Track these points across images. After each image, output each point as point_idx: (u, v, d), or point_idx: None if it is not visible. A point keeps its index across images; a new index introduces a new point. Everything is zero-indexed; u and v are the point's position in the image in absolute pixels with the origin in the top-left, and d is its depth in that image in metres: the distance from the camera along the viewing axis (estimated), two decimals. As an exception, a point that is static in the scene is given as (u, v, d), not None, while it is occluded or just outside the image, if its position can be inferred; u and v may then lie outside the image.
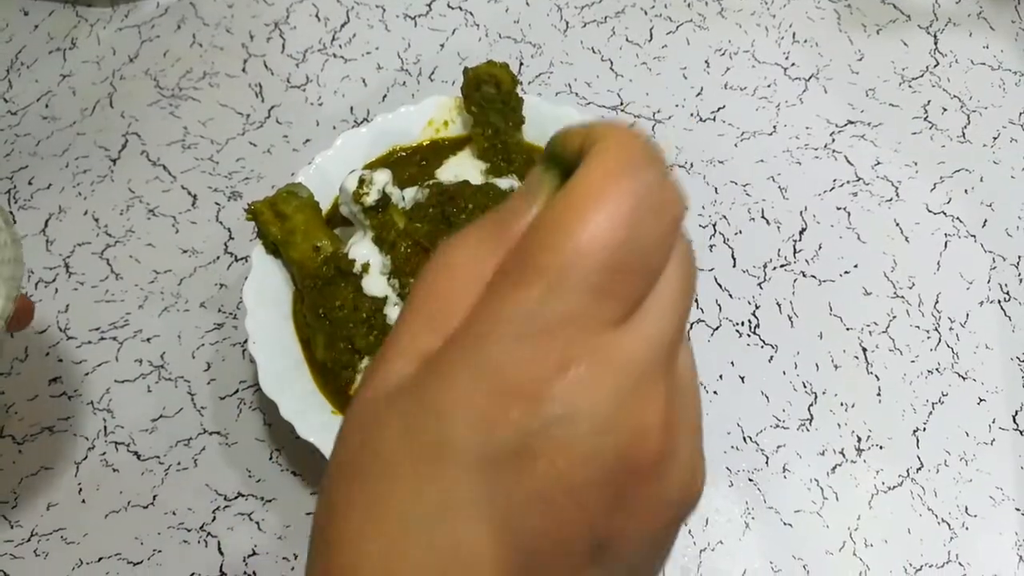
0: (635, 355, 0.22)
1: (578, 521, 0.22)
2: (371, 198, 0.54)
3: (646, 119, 0.70)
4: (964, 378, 0.59)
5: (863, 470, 0.56)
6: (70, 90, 0.73)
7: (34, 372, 0.61)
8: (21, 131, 0.71)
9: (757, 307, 0.62)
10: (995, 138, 0.69)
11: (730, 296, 0.62)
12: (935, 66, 0.73)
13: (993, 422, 0.57)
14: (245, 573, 0.54)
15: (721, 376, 0.59)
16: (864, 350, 0.60)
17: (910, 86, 0.72)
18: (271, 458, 0.57)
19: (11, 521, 0.55)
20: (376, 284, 0.54)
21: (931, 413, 0.58)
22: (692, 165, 0.68)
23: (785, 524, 0.54)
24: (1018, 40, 0.74)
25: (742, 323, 0.61)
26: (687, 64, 0.73)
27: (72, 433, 0.58)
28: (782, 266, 0.63)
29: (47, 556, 0.54)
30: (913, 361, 0.60)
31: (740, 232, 0.65)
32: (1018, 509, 0.55)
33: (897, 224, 0.65)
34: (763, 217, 0.65)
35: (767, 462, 0.56)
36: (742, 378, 0.59)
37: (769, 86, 0.72)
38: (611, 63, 0.73)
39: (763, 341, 0.60)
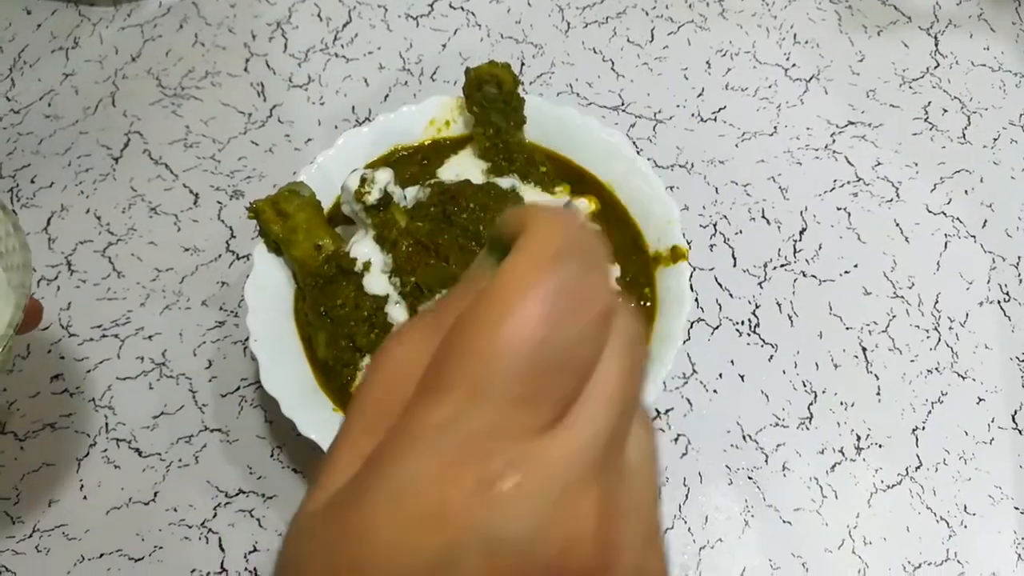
0: (562, 461, 0.21)
1: None
2: (373, 197, 0.54)
3: (647, 119, 0.70)
4: (963, 378, 0.59)
5: (862, 469, 0.56)
6: (72, 89, 0.74)
7: (36, 369, 0.61)
8: (24, 130, 0.71)
9: (757, 306, 0.62)
10: (995, 139, 0.69)
11: (730, 295, 0.62)
12: (936, 67, 0.73)
13: (992, 421, 0.58)
14: (246, 569, 0.54)
15: (721, 375, 0.59)
16: (864, 349, 0.60)
17: (911, 87, 0.72)
18: (272, 455, 0.57)
19: (13, 517, 0.56)
20: (377, 283, 0.54)
21: (930, 412, 0.58)
22: (693, 165, 0.68)
23: (784, 522, 0.54)
24: (1018, 42, 0.74)
25: (742, 322, 0.61)
26: (688, 65, 0.73)
27: (74, 430, 0.59)
28: (782, 266, 0.63)
29: (49, 552, 0.55)
30: (913, 361, 0.60)
31: (740, 232, 0.65)
32: (1017, 508, 0.55)
33: (897, 224, 0.65)
34: (763, 217, 0.65)
35: (767, 460, 0.56)
36: (742, 377, 0.59)
37: (770, 87, 0.72)
38: (612, 63, 0.73)
39: (763, 340, 0.61)
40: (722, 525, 0.55)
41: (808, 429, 0.57)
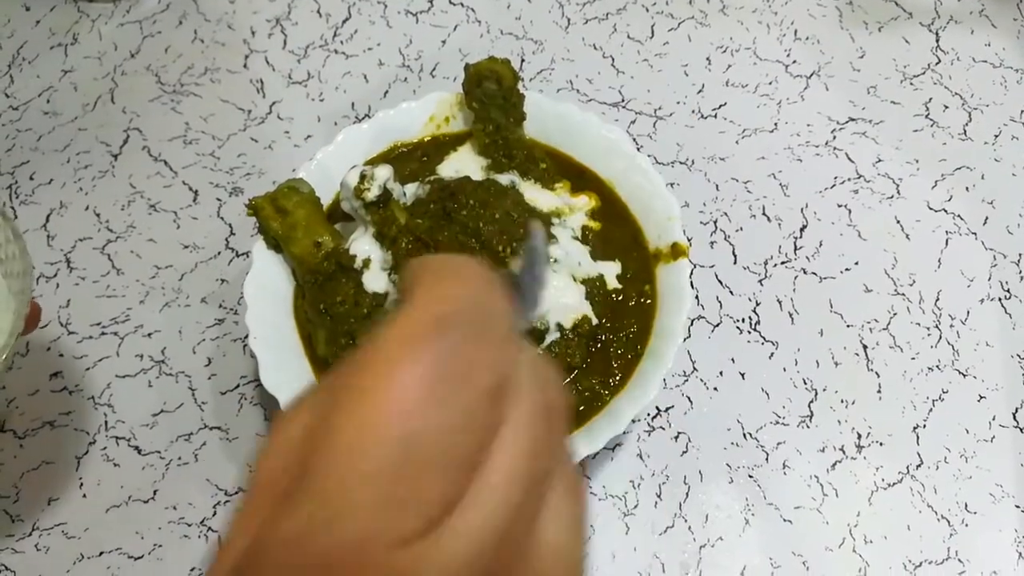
0: (437, 570, 0.18)
1: None
2: (372, 194, 0.54)
3: (647, 116, 0.70)
4: (964, 375, 0.59)
5: (863, 467, 0.56)
6: (71, 85, 0.73)
7: (35, 367, 0.61)
8: (22, 126, 0.71)
9: (758, 304, 0.62)
10: (996, 136, 0.69)
11: (731, 293, 0.62)
12: (936, 63, 0.73)
13: (993, 419, 0.58)
14: (246, 568, 0.54)
15: (721, 373, 0.59)
16: (864, 347, 0.60)
17: (911, 83, 0.72)
18: (272, 453, 0.57)
19: (12, 516, 0.56)
20: (377, 280, 0.54)
21: (931, 410, 0.58)
22: (693, 162, 0.68)
23: (785, 520, 0.54)
24: (1020, 38, 0.74)
25: (743, 320, 0.61)
26: (688, 61, 0.73)
27: (73, 428, 0.58)
28: (783, 263, 0.63)
29: (48, 551, 0.55)
30: (913, 358, 0.60)
31: (741, 229, 0.65)
32: (1018, 506, 0.55)
33: (898, 221, 0.65)
34: (764, 214, 0.65)
35: (767, 458, 0.56)
36: (742, 375, 0.59)
37: (770, 83, 0.72)
38: (612, 60, 0.73)
39: (763, 338, 0.60)
40: (722, 523, 0.54)
41: (809, 427, 0.57)
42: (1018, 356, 0.60)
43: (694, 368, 0.59)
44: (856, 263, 0.63)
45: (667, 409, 0.58)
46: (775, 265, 0.63)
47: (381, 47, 0.75)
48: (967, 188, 0.66)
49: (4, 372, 0.45)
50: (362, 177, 0.54)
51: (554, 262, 0.54)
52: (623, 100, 0.71)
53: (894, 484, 0.55)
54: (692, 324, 0.61)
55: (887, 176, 0.67)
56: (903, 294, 0.62)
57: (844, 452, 0.56)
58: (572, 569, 0.21)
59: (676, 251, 0.56)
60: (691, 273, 0.55)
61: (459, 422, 0.19)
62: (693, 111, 0.70)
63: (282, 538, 0.18)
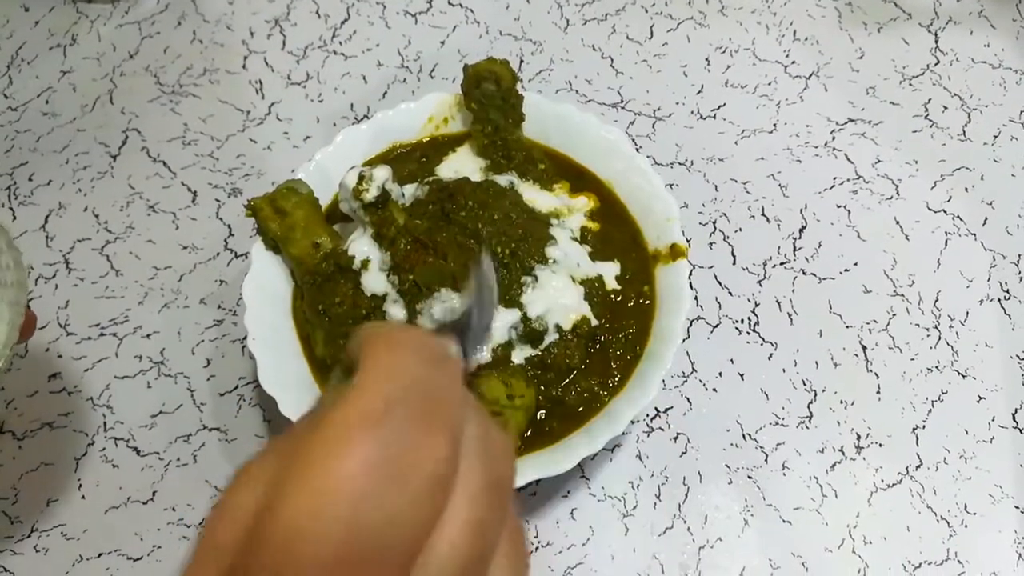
0: None
1: None
2: (371, 194, 0.53)
3: (646, 116, 0.70)
4: (964, 376, 0.59)
5: (862, 468, 0.56)
6: (70, 86, 0.73)
7: (34, 368, 0.61)
8: (21, 127, 0.71)
9: (757, 305, 0.62)
10: (996, 136, 0.69)
11: (730, 294, 0.62)
12: (936, 64, 0.73)
13: (993, 420, 0.57)
14: (244, 569, 0.54)
15: (720, 374, 0.59)
16: (864, 348, 0.60)
17: (911, 84, 0.72)
18: (271, 454, 0.57)
19: (11, 517, 0.55)
20: (376, 281, 0.54)
21: (931, 411, 0.58)
22: (692, 163, 0.68)
23: (784, 521, 0.54)
24: (1019, 39, 0.74)
25: (742, 321, 0.61)
26: (687, 62, 0.73)
27: (72, 429, 0.58)
28: (782, 264, 0.63)
29: (47, 552, 0.54)
30: (913, 359, 0.60)
31: (740, 230, 0.65)
32: (1017, 507, 0.55)
33: (897, 222, 0.65)
34: (763, 215, 0.65)
35: (766, 459, 0.56)
36: (741, 376, 0.59)
37: (770, 84, 0.72)
38: (611, 60, 0.73)
39: (763, 339, 0.60)
40: (722, 524, 0.54)
41: (808, 428, 0.57)
42: (1017, 357, 0.60)
43: (693, 369, 0.59)
44: (855, 264, 0.63)
45: (666, 410, 0.58)
46: (774, 266, 0.63)
47: (380, 48, 0.75)
48: (966, 189, 0.66)
49: (1, 377, 0.45)
50: (361, 178, 0.54)
51: (553, 263, 0.54)
52: (622, 101, 0.71)
53: (893, 485, 0.55)
54: (691, 325, 0.61)
55: (886, 177, 0.67)
56: (902, 295, 0.62)
57: (843, 453, 0.56)
58: None
59: (675, 252, 0.56)
60: (690, 274, 0.55)
61: (405, 510, 0.19)
62: (692, 112, 0.70)
63: None
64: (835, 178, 0.67)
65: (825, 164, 0.68)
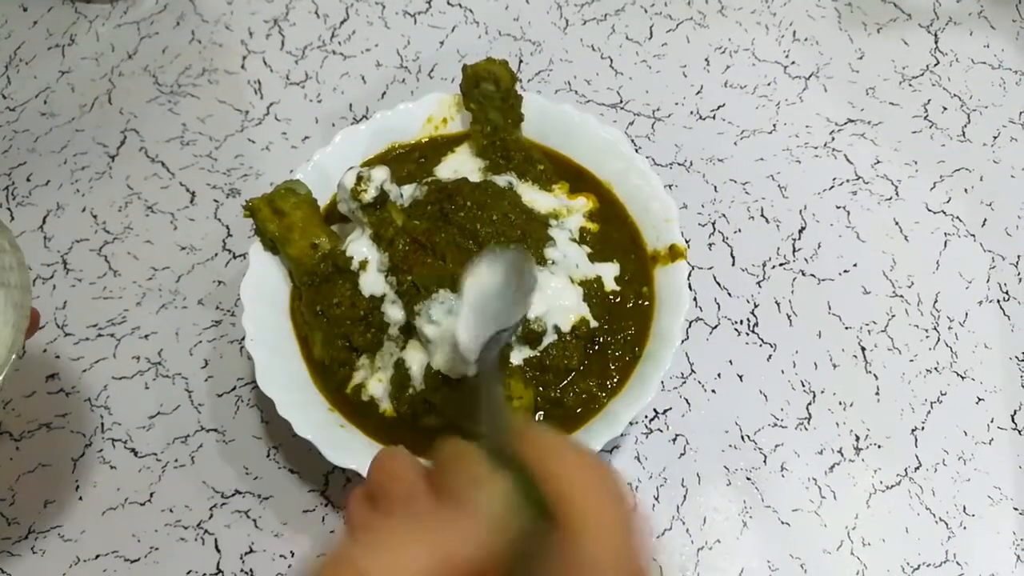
0: None
1: None
2: (369, 195, 0.53)
3: (646, 117, 0.70)
4: (963, 377, 0.59)
5: (861, 469, 0.56)
6: (69, 86, 0.73)
7: (31, 369, 0.60)
8: (19, 127, 0.71)
9: (756, 306, 0.62)
10: (995, 137, 0.69)
11: (729, 295, 0.62)
12: (935, 65, 0.72)
13: (992, 421, 0.57)
14: (242, 571, 0.53)
15: (719, 375, 0.59)
16: (863, 349, 0.60)
17: (910, 85, 0.71)
18: (268, 455, 0.57)
19: (8, 518, 0.55)
20: (374, 281, 0.54)
21: (930, 412, 0.58)
22: (691, 163, 0.67)
23: (783, 523, 0.54)
24: (1019, 39, 0.74)
25: (741, 322, 0.61)
26: (687, 62, 0.73)
27: (70, 430, 0.58)
28: (781, 265, 0.63)
29: (44, 554, 0.54)
30: (912, 360, 0.59)
31: (739, 230, 0.65)
32: (1016, 508, 0.55)
33: (896, 223, 0.65)
34: (762, 216, 0.65)
35: (765, 461, 0.56)
36: (740, 377, 0.59)
37: (769, 84, 0.72)
38: (611, 61, 0.73)
39: (762, 340, 0.60)
40: (720, 526, 0.54)
41: (807, 429, 0.57)
42: (1016, 358, 0.60)
43: (692, 370, 0.59)
44: (855, 265, 0.63)
45: (665, 411, 0.58)
46: (773, 267, 0.63)
47: (379, 48, 0.75)
48: (966, 190, 0.66)
49: (9, 379, 0.44)
50: (359, 178, 0.54)
51: (552, 264, 0.54)
52: (621, 101, 0.71)
53: (892, 486, 0.55)
54: (690, 326, 0.61)
55: (886, 178, 0.67)
56: (902, 296, 0.62)
57: (842, 454, 0.56)
58: None
59: (674, 253, 0.56)
60: (689, 275, 0.55)
61: None
62: (691, 112, 0.70)
63: None
64: (834, 179, 0.67)
65: (824, 165, 0.67)
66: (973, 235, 0.64)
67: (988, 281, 0.63)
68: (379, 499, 0.29)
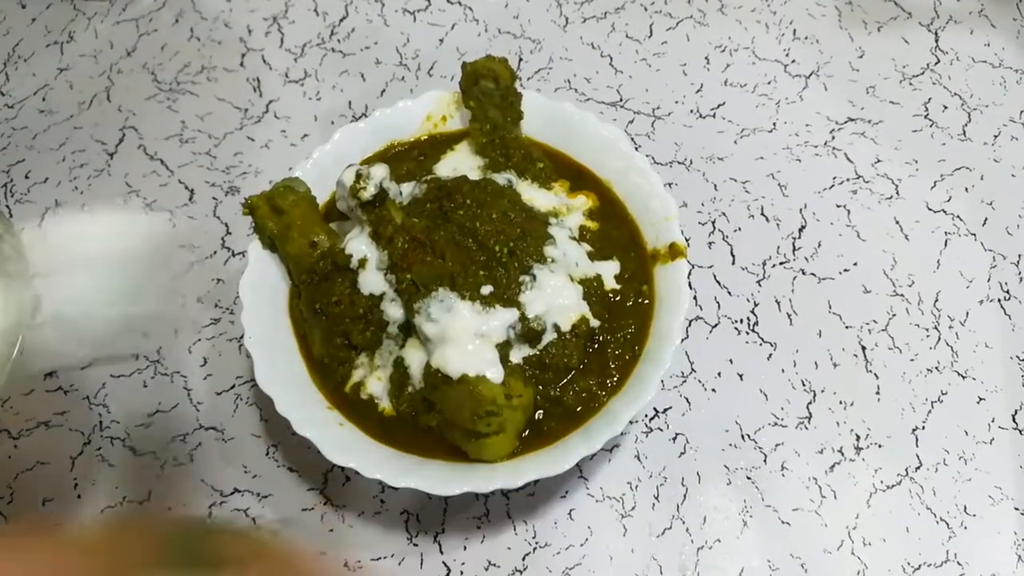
0: None
1: None
2: (368, 193, 0.53)
3: (645, 115, 0.70)
4: (964, 377, 0.59)
5: (862, 469, 0.56)
6: (67, 84, 0.73)
7: (30, 366, 0.60)
8: (18, 124, 0.71)
9: (756, 305, 0.61)
10: (996, 136, 0.69)
11: (729, 294, 0.62)
12: (936, 63, 0.72)
13: (992, 421, 0.57)
14: (241, 569, 0.53)
15: (719, 374, 0.59)
16: (863, 348, 0.60)
17: (911, 83, 0.71)
18: (267, 454, 0.57)
19: (7, 517, 0.55)
20: (373, 279, 0.53)
21: (930, 412, 0.58)
22: (691, 162, 0.67)
23: (783, 522, 0.54)
24: (1019, 38, 0.74)
25: (741, 321, 0.61)
26: (687, 60, 0.73)
27: (68, 428, 0.58)
28: (781, 263, 0.63)
29: (42, 551, 0.54)
30: (912, 360, 0.59)
31: (739, 229, 0.64)
32: (1017, 508, 0.54)
33: (897, 222, 0.65)
34: (762, 214, 0.65)
35: (765, 460, 0.56)
36: (740, 376, 0.59)
37: (769, 83, 0.71)
38: (611, 59, 0.73)
39: (762, 339, 0.60)
40: (720, 525, 0.54)
41: (807, 429, 0.57)
42: (1017, 357, 0.59)
43: (692, 369, 0.59)
44: (855, 264, 0.63)
45: (665, 410, 0.58)
46: (774, 265, 0.63)
47: (378, 46, 0.74)
48: (966, 189, 0.66)
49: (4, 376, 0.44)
50: (358, 176, 0.53)
51: (551, 262, 0.54)
52: (621, 99, 0.71)
53: (893, 486, 0.55)
54: (690, 325, 0.61)
55: (886, 176, 0.67)
56: (902, 295, 0.62)
57: (843, 454, 0.56)
58: None
59: (674, 251, 0.56)
60: (689, 273, 0.55)
61: None
62: (691, 111, 0.70)
63: None
64: (835, 178, 0.67)
65: (825, 163, 0.67)
66: (974, 234, 0.64)
67: (989, 280, 0.62)
68: None
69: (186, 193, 0.67)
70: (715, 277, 0.63)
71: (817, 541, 0.54)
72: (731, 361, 0.59)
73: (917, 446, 0.56)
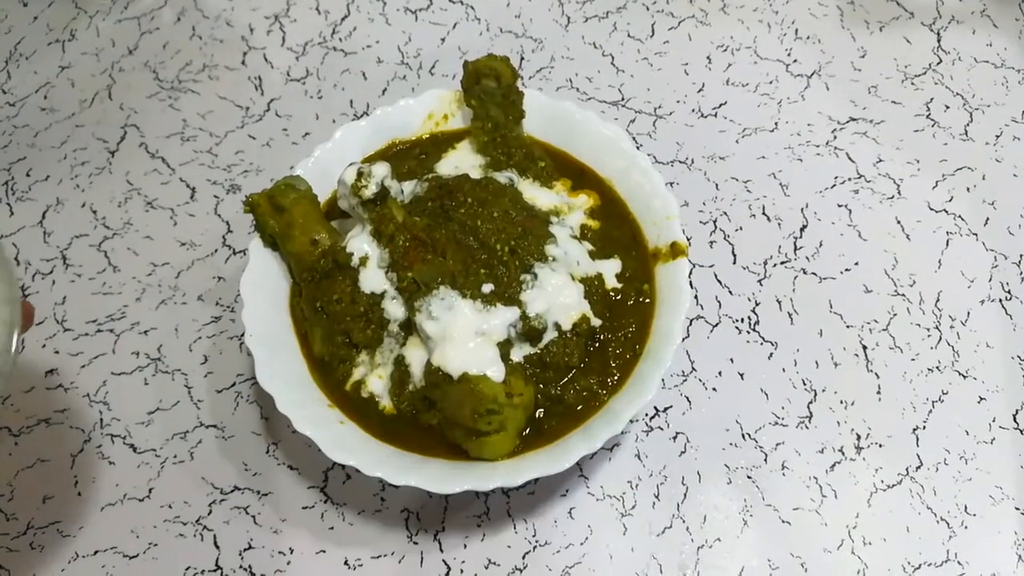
0: None
1: None
2: (369, 191, 0.53)
3: (647, 115, 0.70)
4: (964, 376, 0.59)
5: (862, 468, 0.56)
6: (69, 82, 0.73)
7: (30, 364, 0.60)
8: (19, 122, 0.71)
9: (757, 304, 0.61)
10: (997, 136, 0.69)
11: (730, 293, 0.62)
12: (938, 63, 0.72)
13: (993, 421, 0.57)
14: (241, 567, 0.53)
15: (720, 373, 0.59)
16: (864, 348, 0.60)
17: (912, 83, 0.71)
18: (267, 452, 0.57)
19: (7, 514, 0.55)
20: (374, 278, 0.53)
21: (931, 411, 0.57)
22: (693, 161, 0.67)
23: (783, 522, 0.54)
24: (1021, 38, 0.74)
25: (742, 320, 0.61)
26: (689, 60, 0.73)
27: (68, 425, 0.58)
28: (782, 263, 0.63)
29: (42, 549, 0.54)
30: (913, 359, 0.59)
31: (741, 229, 0.64)
32: (1018, 508, 0.54)
33: (898, 222, 0.65)
34: (764, 214, 0.65)
35: (766, 459, 0.56)
36: (741, 375, 0.59)
37: (771, 82, 0.71)
38: (612, 58, 0.73)
39: (763, 338, 0.60)
40: (720, 524, 0.54)
41: (808, 428, 0.57)
42: (1018, 357, 0.59)
43: (693, 368, 0.59)
44: (856, 263, 0.63)
45: (665, 409, 0.58)
46: (775, 265, 0.63)
47: (380, 44, 0.74)
48: (968, 189, 0.66)
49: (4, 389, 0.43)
50: (359, 174, 0.54)
51: (552, 261, 0.54)
52: (623, 99, 0.71)
53: (893, 486, 0.55)
54: (691, 324, 0.61)
55: (888, 176, 0.67)
56: (903, 295, 0.62)
57: (843, 453, 0.56)
58: None
59: (675, 250, 0.56)
60: (690, 272, 0.55)
61: None
62: (693, 110, 0.70)
63: None
64: (836, 177, 0.67)
65: (826, 163, 0.67)
66: (975, 234, 0.64)
67: (990, 280, 0.62)
68: None
69: (187, 191, 0.67)
70: (716, 276, 0.63)
71: (817, 540, 0.54)
72: (732, 360, 0.59)
73: (918, 446, 0.56)
